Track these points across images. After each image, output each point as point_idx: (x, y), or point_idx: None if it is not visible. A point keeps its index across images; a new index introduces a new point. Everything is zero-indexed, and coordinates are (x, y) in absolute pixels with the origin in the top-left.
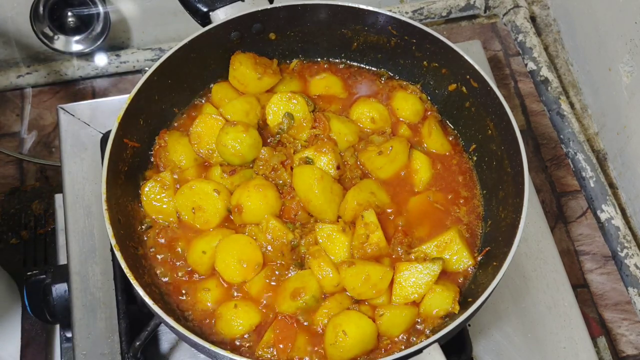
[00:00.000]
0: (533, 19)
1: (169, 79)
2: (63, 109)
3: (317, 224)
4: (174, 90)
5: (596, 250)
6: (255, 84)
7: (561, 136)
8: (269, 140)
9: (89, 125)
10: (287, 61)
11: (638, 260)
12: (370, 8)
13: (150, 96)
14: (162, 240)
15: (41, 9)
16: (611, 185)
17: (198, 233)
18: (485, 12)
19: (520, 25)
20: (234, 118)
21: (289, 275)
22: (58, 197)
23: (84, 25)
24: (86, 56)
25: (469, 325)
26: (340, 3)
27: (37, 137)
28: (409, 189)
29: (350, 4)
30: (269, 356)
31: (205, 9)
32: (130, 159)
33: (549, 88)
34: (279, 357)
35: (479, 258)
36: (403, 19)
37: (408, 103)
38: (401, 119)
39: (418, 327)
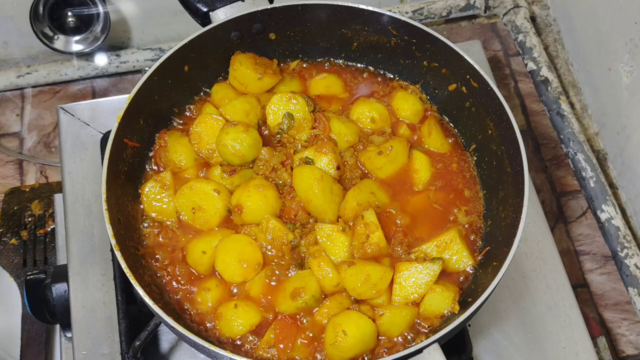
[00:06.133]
0: (533, 19)
1: (169, 79)
2: (63, 109)
3: (317, 224)
4: (174, 90)
5: (596, 250)
6: (255, 84)
7: (561, 136)
8: (275, 142)
9: (89, 125)
10: (287, 61)
11: (638, 260)
12: (370, 8)
13: (150, 96)
14: (162, 240)
15: (41, 9)
16: (611, 185)
17: (198, 233)
18: (485, 12)
19: (520, 25)
20: (234, 118)
21: (289, 275)
22: (58, 197)
23: (84, 25)
24: (86, 56)
25: (469, 325)
26: (340, 3)
27: (37, 137)
28: (408, 188)
29: (350, 4)
30: (269, 356)
31: (205, 9)
32: (130, 159)
33: (549, 88)
34: (279, 357)
35: (479, 258)
36: (403, 19)
37: (408, 103)
38: (401, 119)
39: (418, 327)
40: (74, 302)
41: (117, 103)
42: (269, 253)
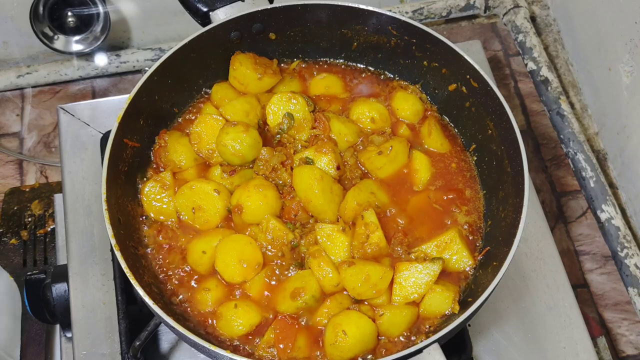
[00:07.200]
0: (533, 19)
1: (169, 79)
2: (63, 109)
3: (317, 224)
4: (174, 90)
5: (596, 250)
6: (255, 84)
7: (561, 136)
8: (275, 142)
9: (89, 125)
10: (288, 61)
11: (638, 260)
12: (370, 8)
13: (150, 96)
14: (162, 240)
15: (41, 9)
16: (611, 185)
17: (198, 233)
18: (485, 12)
19: (520, 25)
20: (234, 118)
21: (289, 275)
22: (58, 197)
23: (84, 25)
24: (86, 56)
25: (469, 325)
26: (340, 3)
27: (37, 137)
28: (408, 188)
29: (350, 4)
30: (269, 356)
31: (205, 9)
32: (130, 159)
33: (549, 88)
34: (279, 357)
35: (479, 258)
36: (403, 19)
37: (408, 103)
38: (401, 119)
39: (418, 327)
40: (74, 302)
41: (117, 103)
42: (269, 253)
